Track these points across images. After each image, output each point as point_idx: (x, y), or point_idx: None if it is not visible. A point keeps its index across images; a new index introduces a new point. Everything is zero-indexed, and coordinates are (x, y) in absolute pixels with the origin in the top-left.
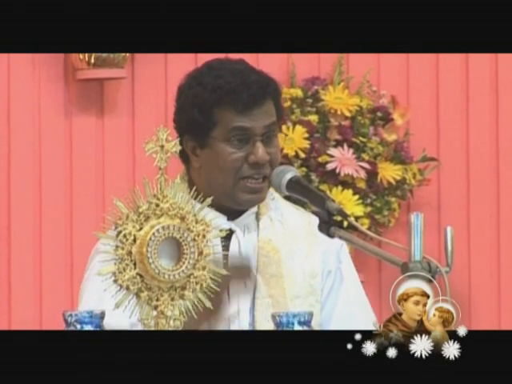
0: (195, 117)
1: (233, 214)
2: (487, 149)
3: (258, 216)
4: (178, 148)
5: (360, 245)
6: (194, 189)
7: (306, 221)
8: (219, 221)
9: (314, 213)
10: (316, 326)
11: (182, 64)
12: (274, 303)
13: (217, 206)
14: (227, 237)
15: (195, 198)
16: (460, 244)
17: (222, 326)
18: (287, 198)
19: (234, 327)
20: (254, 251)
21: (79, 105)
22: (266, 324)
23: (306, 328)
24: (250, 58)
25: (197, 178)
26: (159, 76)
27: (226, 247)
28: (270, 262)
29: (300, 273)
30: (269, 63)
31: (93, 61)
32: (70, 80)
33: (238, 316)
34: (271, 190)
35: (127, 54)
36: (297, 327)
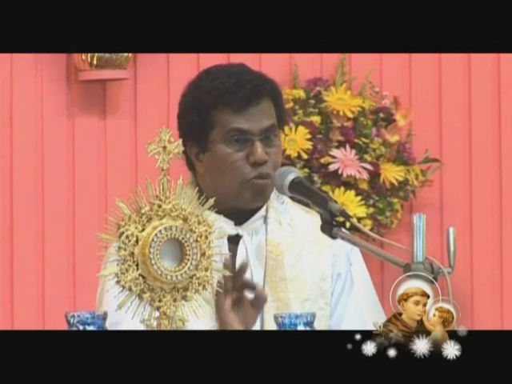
0: (194, 120)
1: (240, 219)
2: (490, 150)
3: (266, 220)
4: (181, 149)
5: (362, 246)
6: (203, 196)
7: (317, 223)
8: (226, 226)
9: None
10: (325, 328)
11: (185, 65)
12: (283, 306)
13: (223, 211)
14: (234, 242)
15: (203, 204)
16: (462, 245)
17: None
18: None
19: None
20: (263, 255)
21: (81, 106)
22: (274, 327)
23: (308, 329)
24: (252, 59)
25: (203, 184)
26: (162, 77)
27: (233, 252)
28: (279, 265)
29: (310, 276)
30: (271, 64)
31: (95, 62)
32: (72, 81)
33: None
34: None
35: (129, 55)
36: (299, 328)
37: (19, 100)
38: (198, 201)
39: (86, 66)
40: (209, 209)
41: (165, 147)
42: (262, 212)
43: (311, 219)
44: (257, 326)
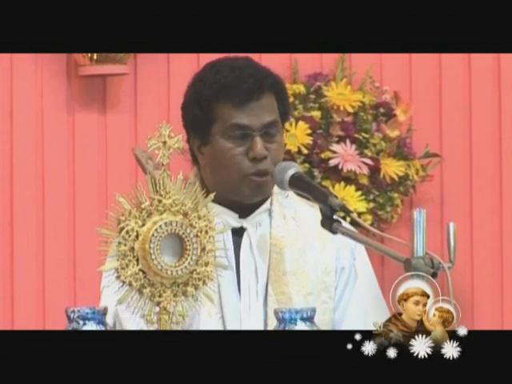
0: (196, 113)
1: (244, 212)
2: (490, 145)
3: (271, 213)
4: (181, 144)
5: (363, 241)
6: (205, 188)
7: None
8: (230, 218)
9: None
10: (328, 322)
11: (185, 61)
12: (286, 300)
13: (227, 203)
14: (239, 234)
15: (206, 196)
16: (462, 240)
17: (232, 322)
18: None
19: (246, 323)
20: (266, 248)
21: (82, 101)
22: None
23: (308, 324)
24: (252, 56)
25: (206, 176)
26: (162, 72)
27: (237, 245)
28: (283, 258)
29: (313, 269)
30: (271, 59)
31: (95, 57)
32: (72, 76)
33: (250, 312)
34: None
35: None
36: (299, 323)
37: (19, 95)
38: (200, 194)
39: (86, 61)
40: (212, 201)
41: (165, 142)
42: (267, 205)
43: (315, 213)
44: (260, 320)
